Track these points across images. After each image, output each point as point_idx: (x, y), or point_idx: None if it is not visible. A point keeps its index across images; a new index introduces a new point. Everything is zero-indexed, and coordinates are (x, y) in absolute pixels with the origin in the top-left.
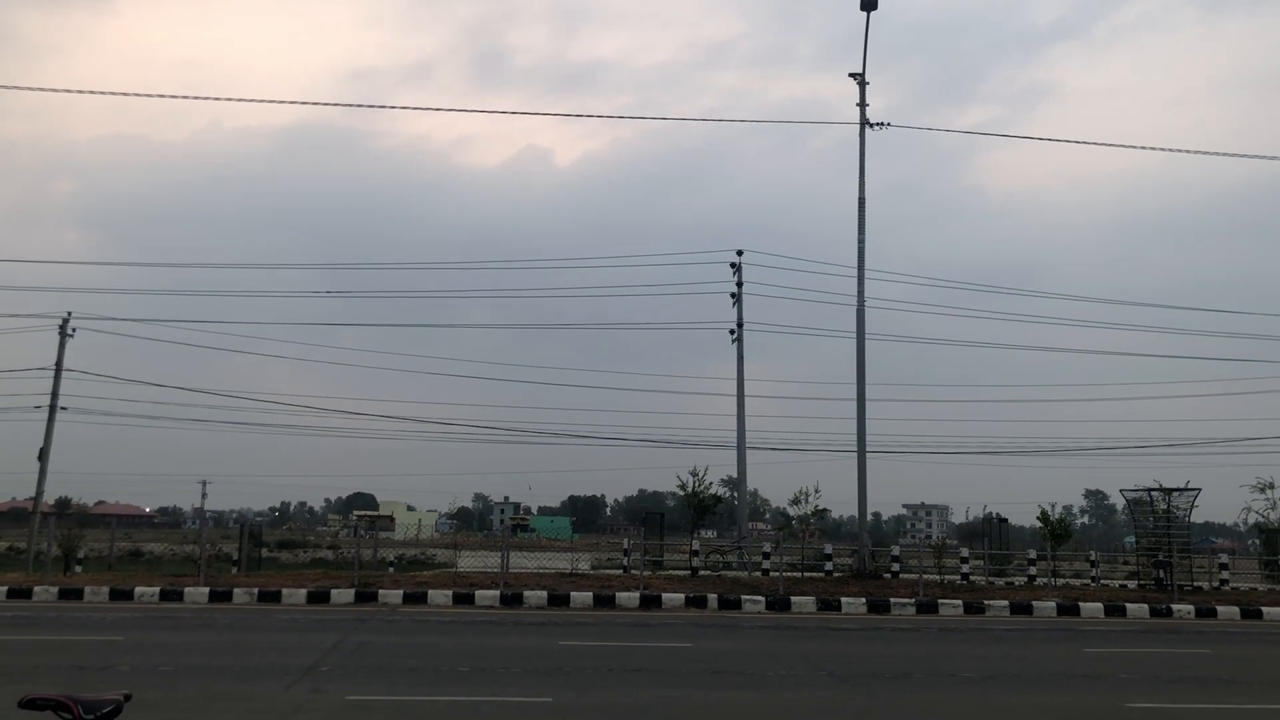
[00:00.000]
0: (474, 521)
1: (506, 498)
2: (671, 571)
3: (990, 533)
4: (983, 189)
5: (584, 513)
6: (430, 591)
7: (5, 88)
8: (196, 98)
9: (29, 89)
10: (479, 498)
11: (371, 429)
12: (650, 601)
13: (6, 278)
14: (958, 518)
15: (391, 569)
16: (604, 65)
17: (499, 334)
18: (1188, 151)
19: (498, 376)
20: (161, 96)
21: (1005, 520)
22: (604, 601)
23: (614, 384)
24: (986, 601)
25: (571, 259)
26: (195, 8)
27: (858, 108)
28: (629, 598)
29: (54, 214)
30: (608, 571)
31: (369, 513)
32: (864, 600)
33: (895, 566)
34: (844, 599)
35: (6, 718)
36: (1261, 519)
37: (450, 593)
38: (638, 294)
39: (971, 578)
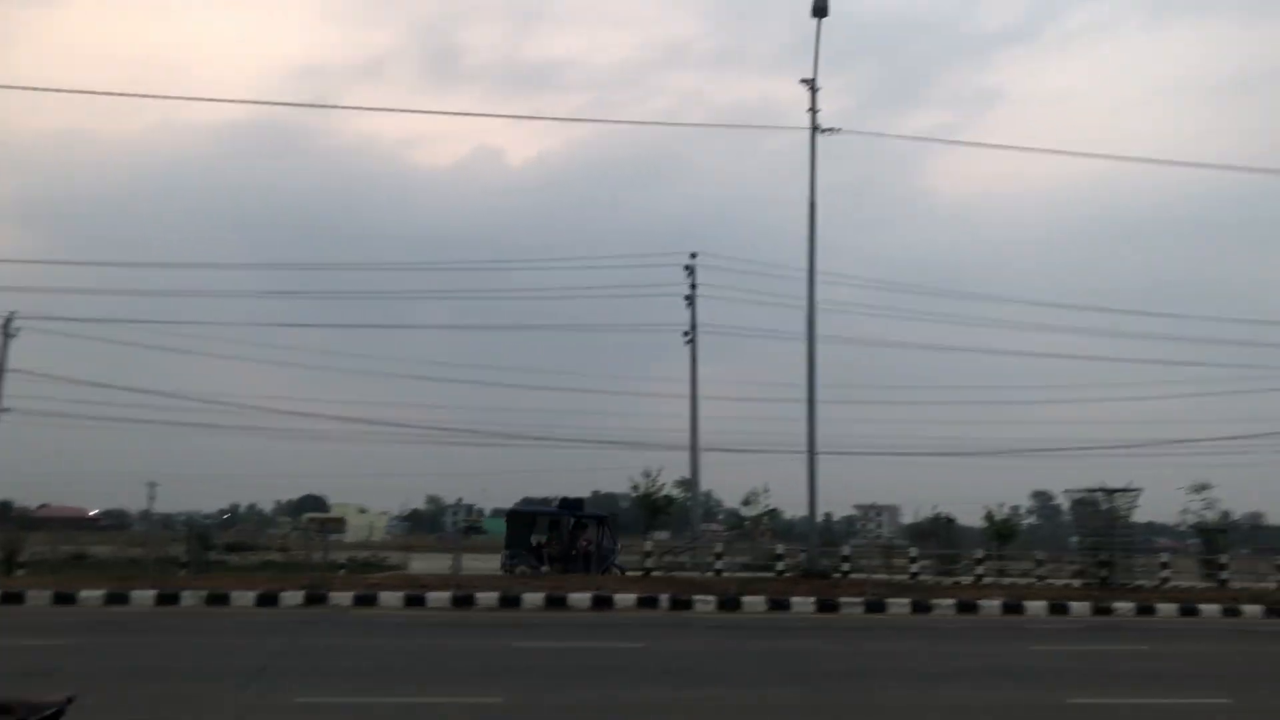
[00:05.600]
0: (427, 524)
1: (459, 500)
2: (627, 573)
3: (939, 532)
4: (936, 192)
5: None
6: (381, 594)
7: None
8: (141, 95)
9: None
10: (432, 500)
11: (322, 431)
12: (603, 602)
13: None
14: (908, 518)
15: (343, 571)
16: (559, 64)
17: (453, 335)
18: (1124, 159)
19: (452, 378)
20: (105, 94)
21: (953, 520)
22: (556, 602)
23: (568, 385)
24: (933, 600)
25: (524, 260)
26: (148, 2)
27: (808, 113)
28: (581, 598)
29: None
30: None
31: (320, 515)
32: (813, 600)
33: (845, 566)
34: (794, 599)
35: None
36: (1199, 519)
37: (402, 595)
38: (592, 295)
39: (920, 577)
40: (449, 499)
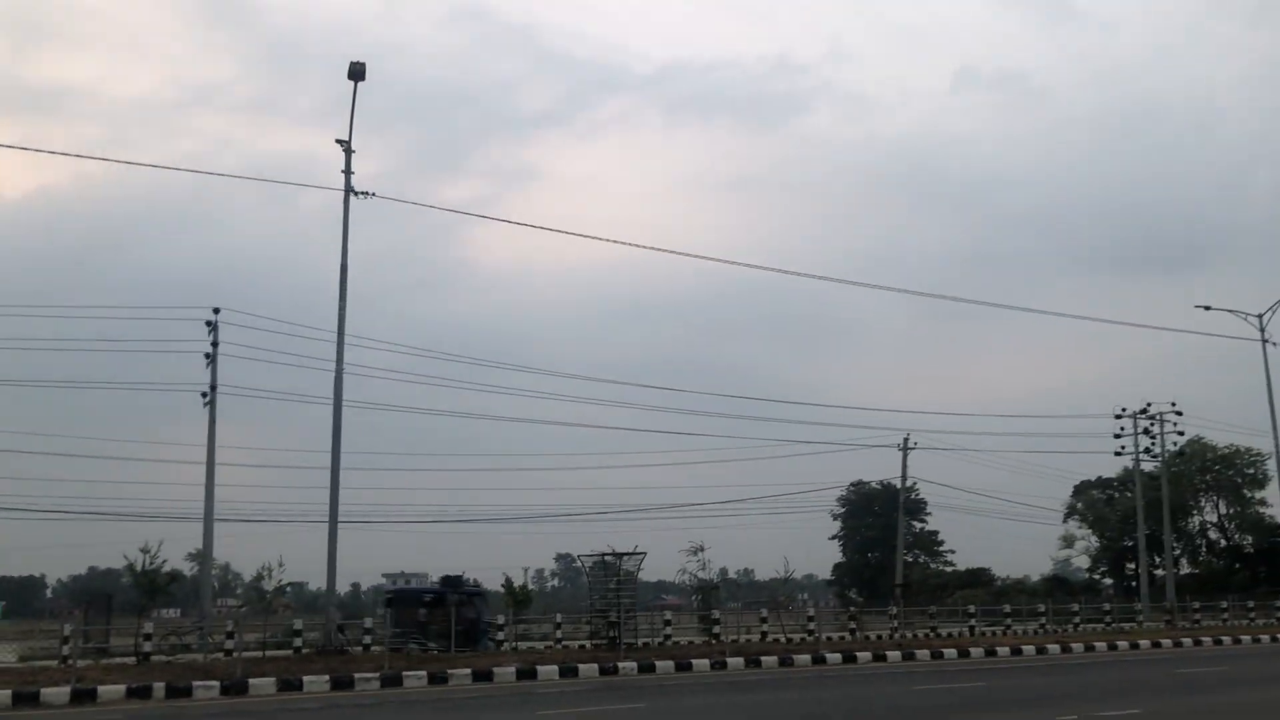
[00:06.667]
0: None
1: None
2: (121, 659)
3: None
4: (474, 261)
5: (17, 596)
6: None
7: None
8: None
9: None
10: None
11: None
12: (84, 696)
13: None
14: None
15: None
16: (68, 90)
17: None
18: (632, 244)
19: None
20: None
21: (479, 586)
22: (26, 700)
23: (55, 449)
24: (450, 670)
25: (11, 305)
26: None
27: (343, 174)
28: (58, 694)
29: None
30: (41, 663)
31: None
32: (328, 678)
33: (367, 639)
34: (306, 678)
35: None
36: (696, 578)
37: None
38: (95, 349)
39: None
40: None
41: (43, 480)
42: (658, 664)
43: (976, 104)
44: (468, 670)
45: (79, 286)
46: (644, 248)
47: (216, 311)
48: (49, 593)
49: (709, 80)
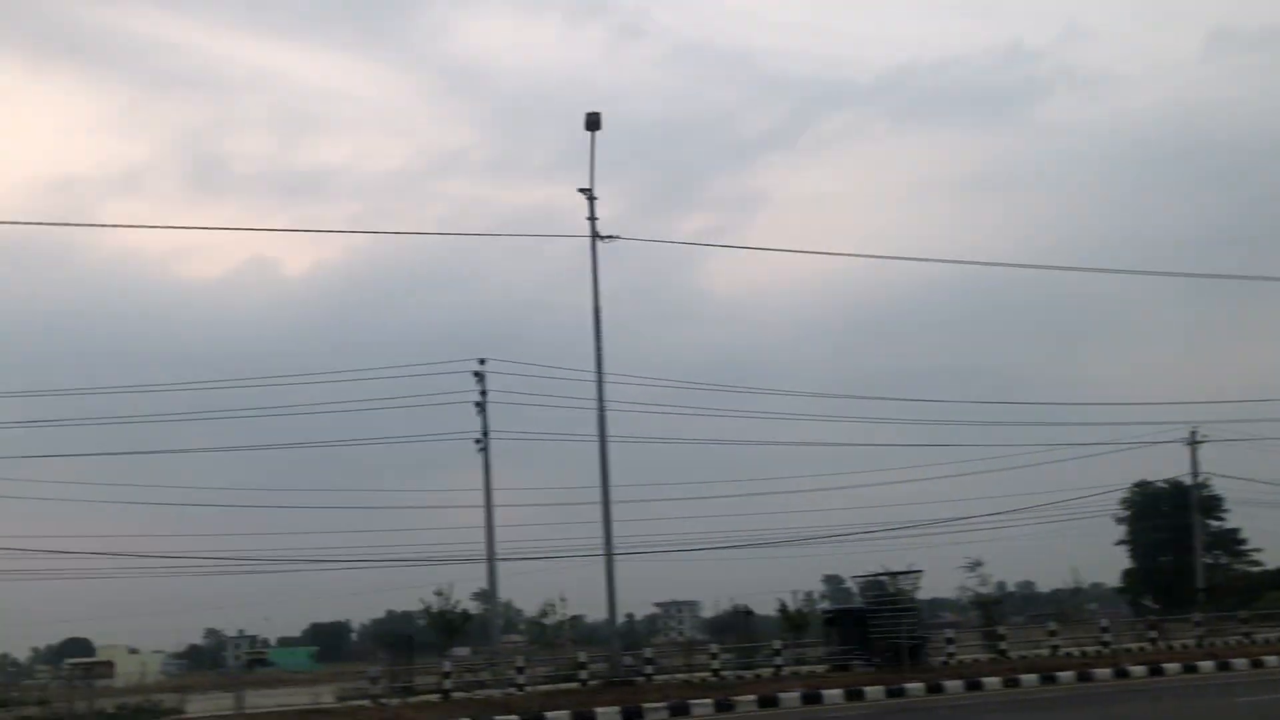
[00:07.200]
0: (207, 660)
1: (241, 631)
2: (423, 696)
3: (738, 625)
4: (712, 290)
5: (328, 641)
6: None
7: None
8: None
9: None
10: (211, 633)
11: (83, 568)
12: None
13: None
14: (708, 612)
15: None
16: (331, 172)
17: (226, 458)
18: (863, 255)
19: (225, 503)
20: None
21: (751, 612)
22: None
23: (353, 503)
24: (734, 698)
25: (304, 375)
26: None
27: (588, 221)
28: None
29: None
30: (354, 703)
31: (84, 660)
32: (618, 709)
33: (649, 669)
34: (598, 709)
35: None
36: (977, 594)
37: None
38: (377, 408)
39: (722, 673)
40: (230, 631)
41: (342, 533)
42: (946, 683)
43: (1237, 67)
44: (753, 697)
45: (355, 351)
46: (875, 257)
47: (482, 362)
48: (354, 636)
49: (935, 80)
